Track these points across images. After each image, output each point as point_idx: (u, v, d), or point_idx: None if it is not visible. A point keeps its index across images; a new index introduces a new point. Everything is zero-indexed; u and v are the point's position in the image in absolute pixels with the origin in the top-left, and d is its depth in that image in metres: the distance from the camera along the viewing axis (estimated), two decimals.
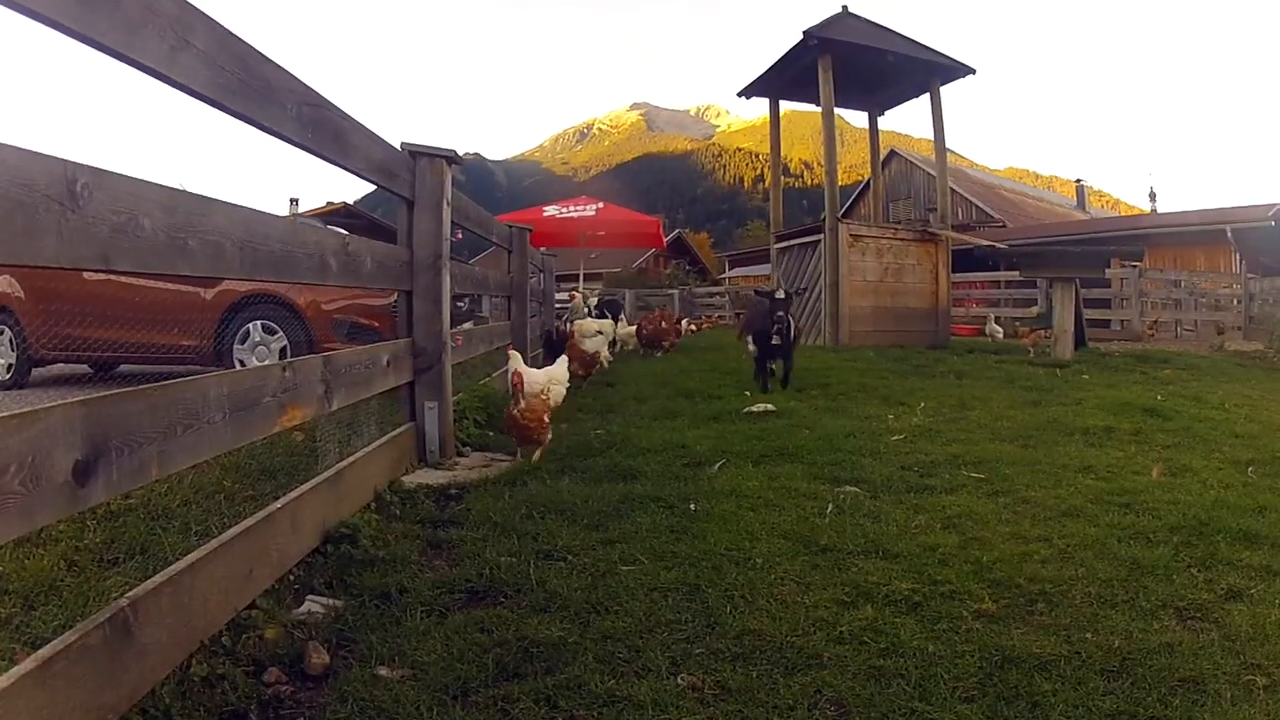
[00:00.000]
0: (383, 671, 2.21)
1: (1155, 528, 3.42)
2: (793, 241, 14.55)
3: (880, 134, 16.95)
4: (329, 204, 30.32)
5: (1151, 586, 2.81)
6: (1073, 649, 2.34)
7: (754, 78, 15.08)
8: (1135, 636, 2.42)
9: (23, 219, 1.52)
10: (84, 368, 8.85)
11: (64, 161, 1.64)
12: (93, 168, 1.72)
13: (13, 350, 8.21)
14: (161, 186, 2.00)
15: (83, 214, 1.68)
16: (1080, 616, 2.57)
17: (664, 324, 12.08)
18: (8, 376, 8.29)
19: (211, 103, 2.31)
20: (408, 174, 4.39)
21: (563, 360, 6.48)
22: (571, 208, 17.55)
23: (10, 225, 1.49)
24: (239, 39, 2.41)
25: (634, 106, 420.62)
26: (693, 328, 14.16)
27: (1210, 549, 3.17)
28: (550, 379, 6.07)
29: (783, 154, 16.35)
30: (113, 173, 1.80)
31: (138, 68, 1.95)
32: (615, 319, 12.32)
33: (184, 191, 2.13)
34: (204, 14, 2.19)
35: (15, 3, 1.54)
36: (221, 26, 2.30)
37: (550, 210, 17.66)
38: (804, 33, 13.20)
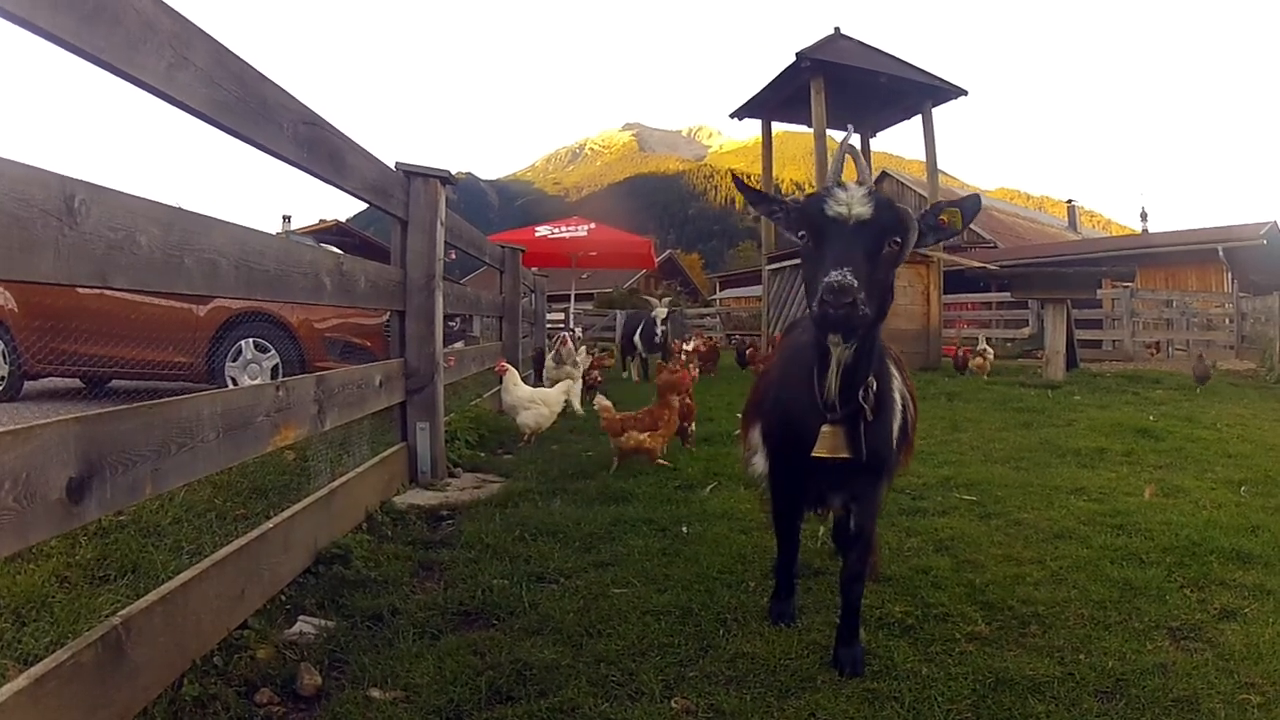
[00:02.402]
0: (375, 693, 2.20)
1: (1148, 548, 3.43)
2: (785, 263, 14.60)
3: (872, 155, 17.02)
4: (321, 221, 30.31)
5: (1145, 607, 2.81)
6: (1066, 670, 2.35)
7: (747, 99, 15.17)
8: (1129, 657, 2.43)
9: (20, 234, 1.52)
10: (76, 382, 8.82)
11: (62, 177, 1.64)
12: (90, 184, 1.72)
13: (5, 363, 8.19)
14: (159, 204, 2.00)
15: (80, 230, 1.68)
16: (1073, 638, 2.57)
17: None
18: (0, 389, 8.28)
19: (209, 120, 2.32)
20: (402, 194, 4.40)
21: (561, 385, 6.46)
22: (563, 228, 17.59)
23: (7, 241, 1.49)
24: (237, 57, 2.43)
25: (626, 127, 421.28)
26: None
27: (1203, 569, 3.18)
28: (537, 397, 6.08)
29: (774, 175, 16.45)
30: (110, 189, 1.80)
31: (136, 84, 1.95)
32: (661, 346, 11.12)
33: (181, 209, 2.13)
34: (203, 31, 2.20)
35: (16, 17, 1.55)
36: (220, 44, 2.31)
37: (542, 230, 17.69)
38: (797, 54, 13.29)
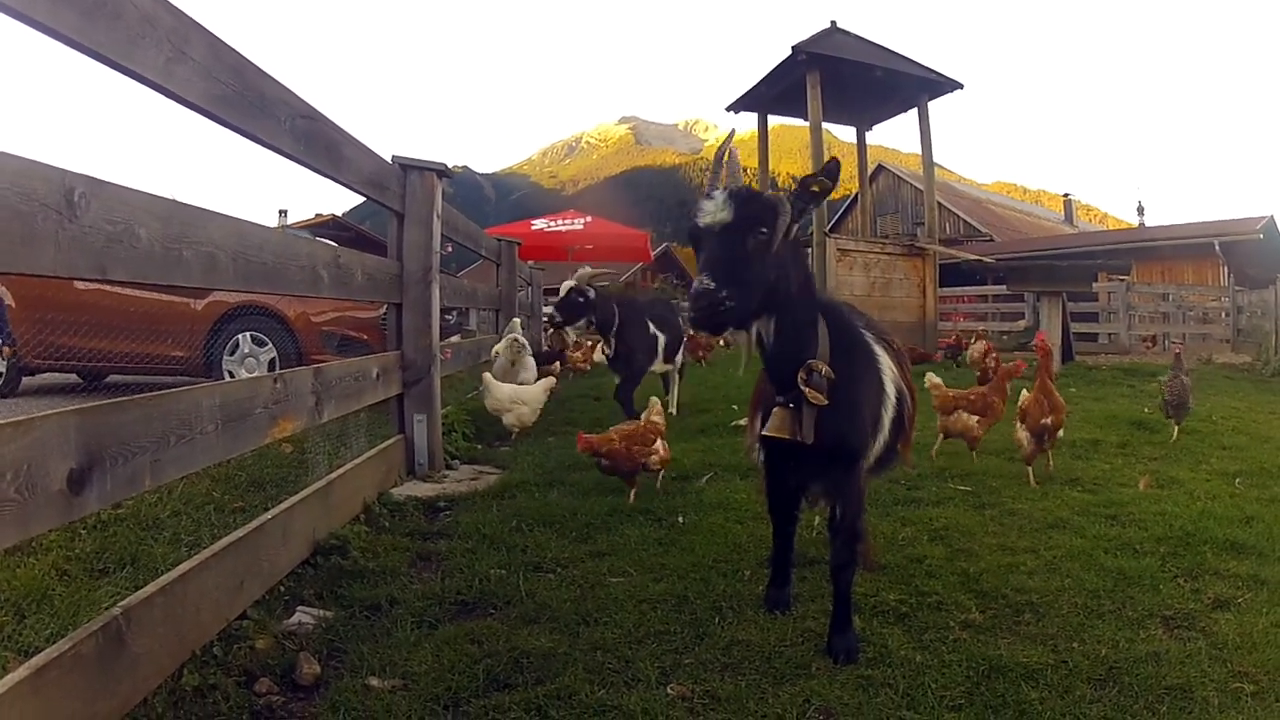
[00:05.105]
0: (374, 682, 2.21)
1: (1142, 539, 3.45)
2: None
3: (868, 149, 17.03)
4: (318, 215, 30.22)
5: (1138, 596, 2.83)
6: (1060, 658, 2.37)
7: (743, 92, 15.14)
8: (1122, 646, 2.44)
9: (20, 227, 1.53)
10: (73, 378, 8.80)
11: (62, 171, 1.65)
12: (90, 177, 1.74)
13: (2, 359, 8.18)
14: (157, 197, 2.02)
15: (80, 223, 1.69)
16: (1067, 626, 2.59)
17: None
18: None
19: (207, 114, 2.34)
20: (398, 187, 4.41)
21: (544, 382, 6.43)
22: (560, 221, 17.61)
23: (8, 233, 1.50)
24: (235, 51, 2.44)
25: (622, 120, 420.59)
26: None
27: (1197, 559, 3.20)
28: (517, 396, 6.09)
29: (771, 168, 16.41)
30: (110, 183, 1.81)
31: (136, 79, 1.97)
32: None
33: (179, 202, 2.15)
34: (201, 26, 2.22)
35: (18, 12, 1.56)
36: (218, 38, 2.32)
37: (539, 224, 17.72)
38: (793, 48, 13.27)
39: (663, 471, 4.31)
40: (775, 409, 2.39)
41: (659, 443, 4.21)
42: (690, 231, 2.25)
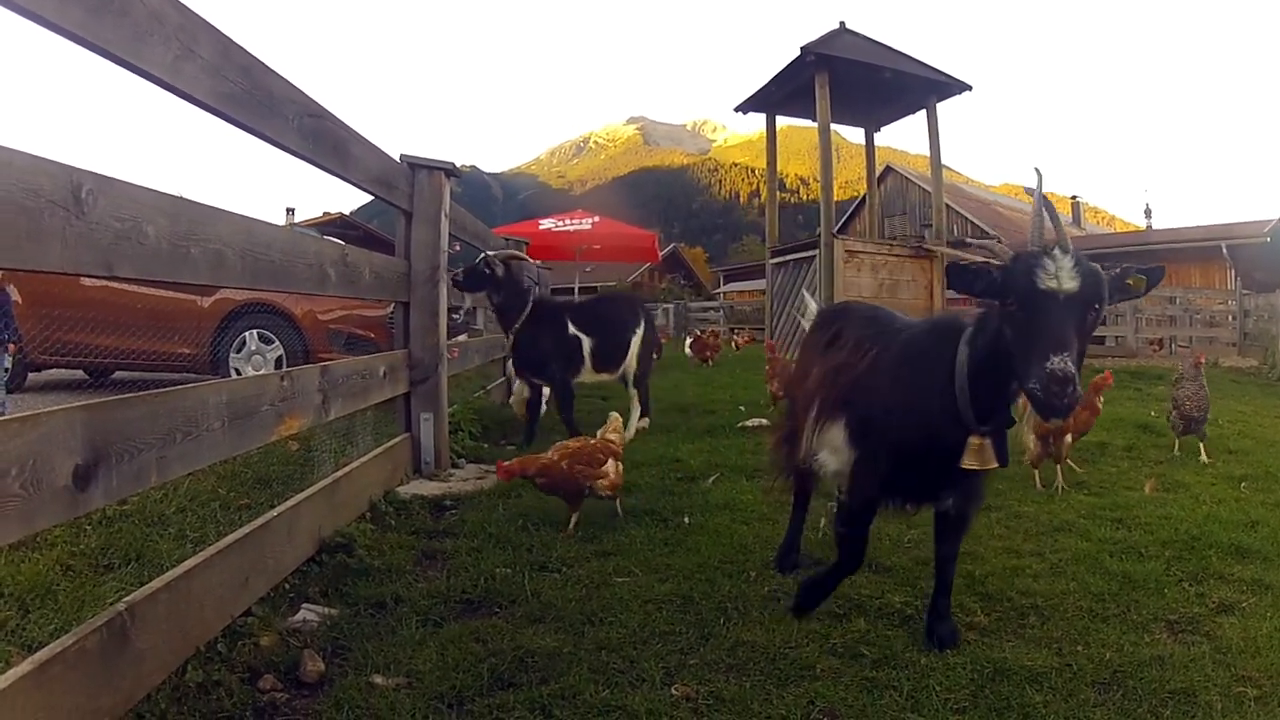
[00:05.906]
0: (378, 680, 2.21)
1: (1147, 542, 3.44)
2: (788, 257, 14.56)
3: (876, 150, 16.98)
4: (325, 214, 30.27)
5: (1143, 600, 2.83)
6: (1064, 661, 2.36)
7: (751, 93, 15.11)
8: (1127, 649, 2.44)
9: (27, 224, 1.54)
10: (80, 373, 8.82)
11: (69, 168, 1.65)
12: (97, 174, 1.74)
13: (8, 354, 8.20)
14: (165, 194, 2.02)
15: (87, 220, 1.70)
16: (1072, 629, 2.59)
17: None
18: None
19: (214, 112, 2.34)
20: (407, 186, 4.42)
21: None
22: (568, 221, 17.55)
23: (15, 230, 1.51)
24: (243, 49, 2.44)
25: (630, 120, 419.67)
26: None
27: (1202, 563, 3.19)
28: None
29: (779, 169, 16.38)
30: (117, 180, 1.82)
31: (143, 76, 1.97)
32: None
33: (187, 200, 2.15)
34: (209, 24, 2.22)
35: (26, 10, 1.56)
36: (226, 36, 2.33)
37: (546, 223, 17.67)
38: (801, 49, 13.24)
39: (619, 500, 3.83)
40: (974, 441, 2.27)
41: (610, 464, 3.73)
42: (1020, 289, 2.05)
